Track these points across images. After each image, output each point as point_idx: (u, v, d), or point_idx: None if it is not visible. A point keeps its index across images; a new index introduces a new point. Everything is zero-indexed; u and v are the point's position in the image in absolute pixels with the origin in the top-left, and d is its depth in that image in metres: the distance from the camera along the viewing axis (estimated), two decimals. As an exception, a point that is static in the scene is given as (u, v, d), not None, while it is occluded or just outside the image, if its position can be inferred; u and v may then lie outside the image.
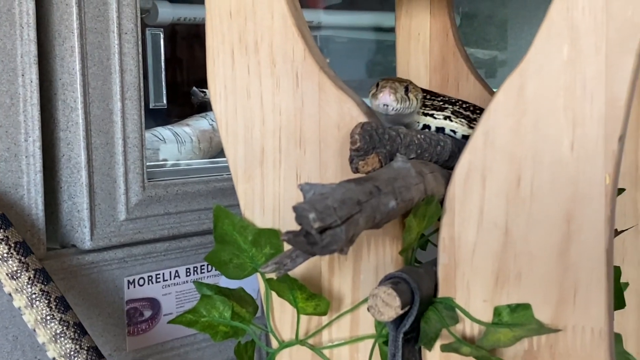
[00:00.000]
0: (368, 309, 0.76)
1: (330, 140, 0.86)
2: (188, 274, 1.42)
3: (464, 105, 0.94)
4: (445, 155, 0.87)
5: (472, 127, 0.93)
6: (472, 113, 0.94)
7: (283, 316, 0.90)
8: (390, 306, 0.76)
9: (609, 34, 0.77)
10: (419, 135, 0.84)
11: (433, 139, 0.86)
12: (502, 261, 0.82)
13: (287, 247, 0.87)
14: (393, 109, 0.86)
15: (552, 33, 0.79)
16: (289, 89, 0.87)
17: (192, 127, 1.64)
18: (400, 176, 0.75)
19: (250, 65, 0.88)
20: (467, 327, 0.83)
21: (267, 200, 0.89)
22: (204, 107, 1.75)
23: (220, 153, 1.70)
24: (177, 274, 1.41)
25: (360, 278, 0.86)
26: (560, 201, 0.80)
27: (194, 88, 1.74)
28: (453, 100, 0.94)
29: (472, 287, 0.83)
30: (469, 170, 0.82)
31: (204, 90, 1.75)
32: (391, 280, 0.78)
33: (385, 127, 0.81)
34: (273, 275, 0.85)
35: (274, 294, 0.88)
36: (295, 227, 0.87)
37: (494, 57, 2.72)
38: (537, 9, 2.83)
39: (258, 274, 0.89)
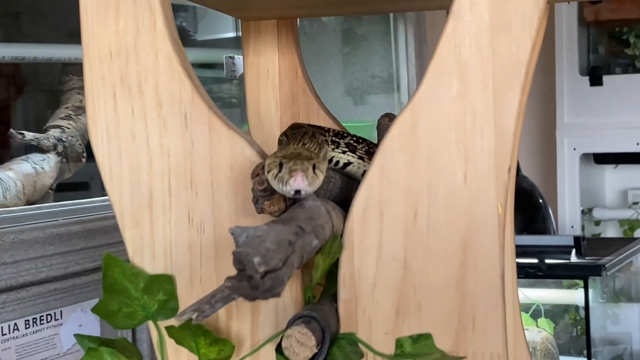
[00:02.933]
0: (282, 350, 0.76)
1: (223, 180, 0.85)
2: (27, 326, 1.35)
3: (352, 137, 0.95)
4: (335, 192, 0.88)
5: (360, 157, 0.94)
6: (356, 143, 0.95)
7: (178, 364, 0.87)
8: (306, 346, 0.75)
9: (495, 70, 0.81)
10: (315, 173, 0.84)
11: (325, 175, 0.87)
12: (402, 294, 0.83)
13: (180, 293, 0.85)
14: (306, 193, 0.77)
15: (441, 70, 0.82)
16: (177, 130, 0.85)
17: (15, 172, 1.56)
18: (314, 215, 0.75)
19: (134, 107, 0.86)
20: (370, 361, 0.84)
21: (158, 245, 0.86)
22: (25, 149, 1.68)
23: (44, 197, 1.64)
24: (16, 327, 1.33)
25: (260, 319, 0.85)
26: (456, 232, 0.82)
27: (11, 130, 1.67)
28: (342, 134, 0.95)
29: (373, 320, 0.84)
30: (367, 206, 0.83)
31: (22, 132, 1.68)
32: (302, 320, 0.77)
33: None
34: (172, 322, 0.83)
35: (169, 341, 0.85)
36: (189, 270, 0.85)
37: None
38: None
39: (150, 322, 0.86)
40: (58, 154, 1.68)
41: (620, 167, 3.46)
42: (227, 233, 0.84)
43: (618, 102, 3.19)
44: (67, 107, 1.82)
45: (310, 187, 0.77)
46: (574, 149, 3.25)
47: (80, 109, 1.81)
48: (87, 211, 1.51)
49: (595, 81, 3.22)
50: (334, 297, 0.85)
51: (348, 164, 0.93)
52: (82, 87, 1.92)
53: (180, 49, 0.86)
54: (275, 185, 0.77)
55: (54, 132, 1.72)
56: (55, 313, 1.39)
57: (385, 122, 1.33)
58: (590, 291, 2.49)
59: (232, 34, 2.43)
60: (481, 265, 0.82)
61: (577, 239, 2.56)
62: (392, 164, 0.83)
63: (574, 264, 2.48)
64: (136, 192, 0.86)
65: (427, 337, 0.83)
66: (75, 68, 1.90)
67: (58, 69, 1.98)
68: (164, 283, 0.85)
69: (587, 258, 2.53)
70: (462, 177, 0.82)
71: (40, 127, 1.80)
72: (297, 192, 0.76)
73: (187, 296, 0.86)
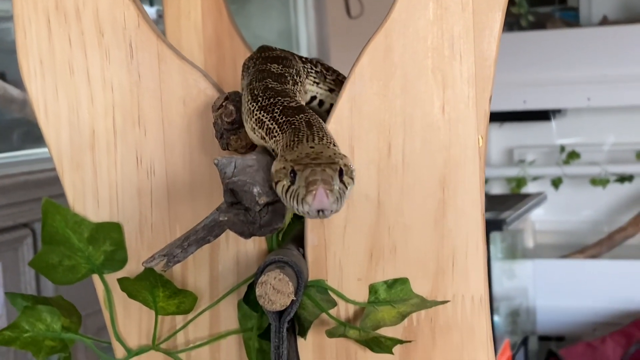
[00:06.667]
0: (257, 299, 0.68)
1: (175, 117, 0.76)
2: None
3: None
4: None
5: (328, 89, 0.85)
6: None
7: (128, 321, 0.78)
8: (283, 293, 0.68)
9: (474, -10, 0.75)
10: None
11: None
12: (375, 236, 0.76)
13: (129, 242, 0.76)
14: (331, 213, 0.60)
15: (416, -9, 0.75)
16: (121, 61, 0.76)
17: None
18: (292, 147, 0.67)
19: (71, 35, 0.76)
20: (342, 310, 0.77)
21: (102, 190, 0.77)
22: None
23: None
24: None
25: (219, 268, 0.77)
26: (433, 167, 0.76)
27: None
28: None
29: (344, 266, 0.77)
30: (336, 140, 0.76)
31: None
32: (276, 265, 0.70)
33: (250, 97, 0.72)
34: (125, 274, 0.75)
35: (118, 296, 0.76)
36: (139, 217, 0.77)
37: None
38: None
39: (95, 276, 0.77)
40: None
41: (505, 125, 3.47)
42: (180, 174, 0.76)
43: (505, 59, 3.18)
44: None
45: (337, 204, 0.60)
46: (462, 107, 3.24)
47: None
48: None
49: (482, 39, 3.22)
50: (296, 241, 0.77)
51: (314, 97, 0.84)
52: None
53: (122, -30, 0.77)
54: (288, 203, 0.60)
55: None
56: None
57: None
58: (491, 247, 2.48)
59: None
60: (461, 202, 0.76)
61: (476, 195, 2.54)
62: (363, 94, 0.76)
63: (476, 220, 2.46)
64: (76, 131, 0.77)
65: (404, 281, 0.77)
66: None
67: None
68: (111, 232, 0.76)
69: (485, 213, 2.52)
70: (439, 107, 0.76)
71: None
72: (321, 212, 0.60)
73: (137, 246, 0.77)
